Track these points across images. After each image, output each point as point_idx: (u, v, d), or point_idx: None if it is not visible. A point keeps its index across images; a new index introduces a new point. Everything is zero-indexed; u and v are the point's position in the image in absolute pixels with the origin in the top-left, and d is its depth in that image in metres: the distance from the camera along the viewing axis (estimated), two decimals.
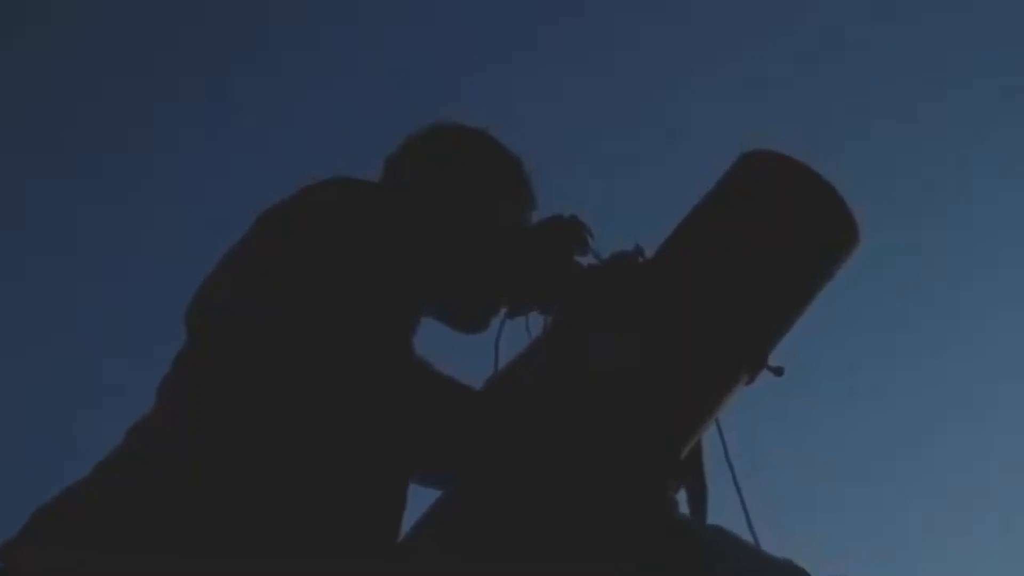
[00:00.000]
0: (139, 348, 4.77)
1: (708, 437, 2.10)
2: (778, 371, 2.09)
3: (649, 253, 2.13)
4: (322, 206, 1.89)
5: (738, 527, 2.06)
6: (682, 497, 2.07)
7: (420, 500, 1.97)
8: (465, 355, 2.11)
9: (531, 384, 2.01)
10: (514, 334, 2.15)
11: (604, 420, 1.97)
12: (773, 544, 2.03)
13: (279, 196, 1.94)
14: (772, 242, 2.09)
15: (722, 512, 2.07)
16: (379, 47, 5.58)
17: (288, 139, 5.42)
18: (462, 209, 2.11)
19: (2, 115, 5.32)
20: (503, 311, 2.16)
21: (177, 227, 5.11)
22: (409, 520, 1.93)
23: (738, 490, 2.10)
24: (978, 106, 5.33)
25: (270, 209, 1.94)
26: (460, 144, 2.19)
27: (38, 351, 5.12)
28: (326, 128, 5.42)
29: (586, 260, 2.15)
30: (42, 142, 5.33)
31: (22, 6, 5.43)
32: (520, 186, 2.21)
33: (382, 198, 1.95)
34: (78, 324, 5.21)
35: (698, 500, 2.08)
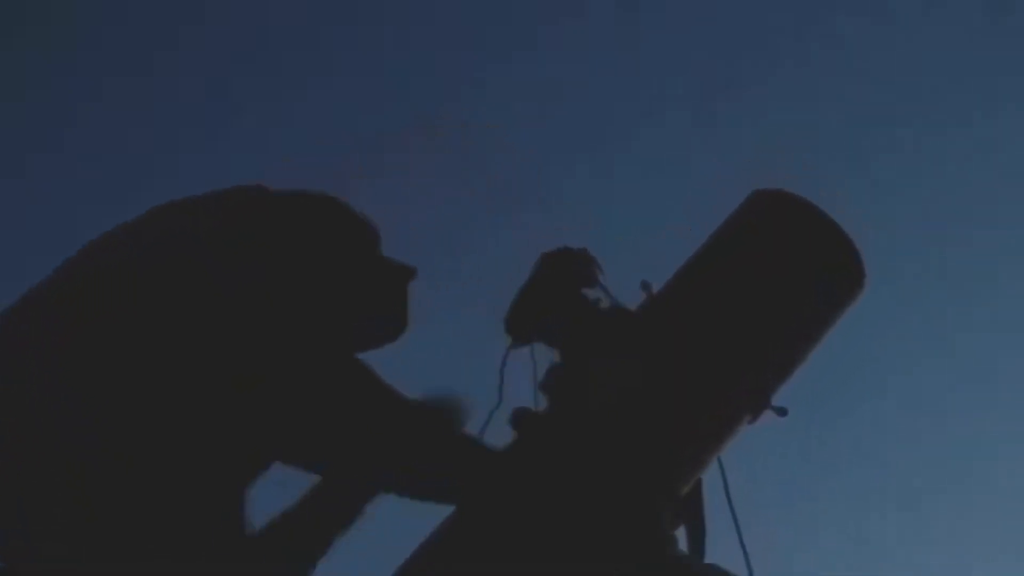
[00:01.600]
0: None
1: (709, 475, 2.11)
2: (781, 412, 2.10)
3: (656, 287, 2.13)
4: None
5: (736, 566, 2.07)
6: (682, 534, 2.07)
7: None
8: (470, 383, 2.12)
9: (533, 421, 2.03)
10: (520, 363, 2.15)
11: (605, 457, 1.98)
12: None
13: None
14: (780, 284, 2.10)
15: (721, 550, 2.08)
16: (378, 47, 5.57)
17: (286, 139, 5.41)
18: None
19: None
20: (509, 341, 2.16)
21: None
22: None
23: (737, 529, 2.11)
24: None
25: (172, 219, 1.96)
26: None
27: None
28: (322, 128, 5.41)
29: (594, 292, 2.15)
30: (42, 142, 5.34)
31: (22, 6, 5.43)
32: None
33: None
34: None
35: (697, 537, 2.09)
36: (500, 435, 2.05)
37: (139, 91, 5.37)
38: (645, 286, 2.14)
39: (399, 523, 2.07)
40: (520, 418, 2.06)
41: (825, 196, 2.13)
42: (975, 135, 5.33)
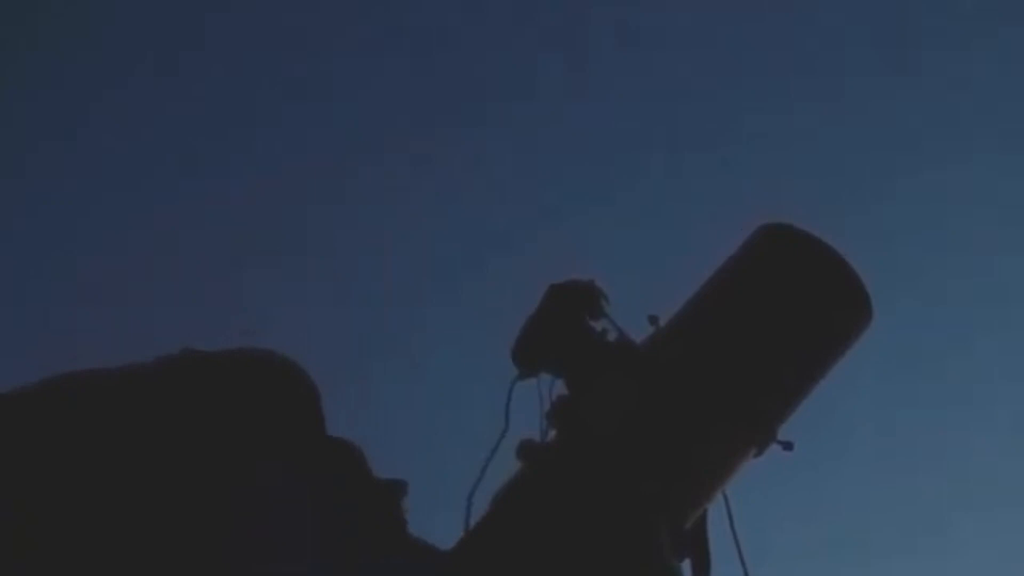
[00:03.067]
0: None
1: (714, 508, 2.11)
2: (787, 445, 2.10)
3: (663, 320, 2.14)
4: None
5: None
6: (686, 567, 2.07)
7: None
8: (477, 414, 2.12)
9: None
10: (527, 395, 2.16)
11: (607, 490, 1.98)
12: None
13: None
14: (786, 317, 2.11)
15: None
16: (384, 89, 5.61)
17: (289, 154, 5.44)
18: None
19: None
20: (515, 372, 2.17)
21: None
22: None
23: (743, 562, 2.11)
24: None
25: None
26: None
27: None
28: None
29: (600, 324, 2.16)
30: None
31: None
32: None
33: None
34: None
35: (701, 570, 2.09)
36: (506, 466, 2.06)
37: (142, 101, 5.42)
38: (652, 319, 2.14)
39: None
40: (526, 450, 2.07)
41: (830, 229, 2.14)
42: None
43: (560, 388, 2.14)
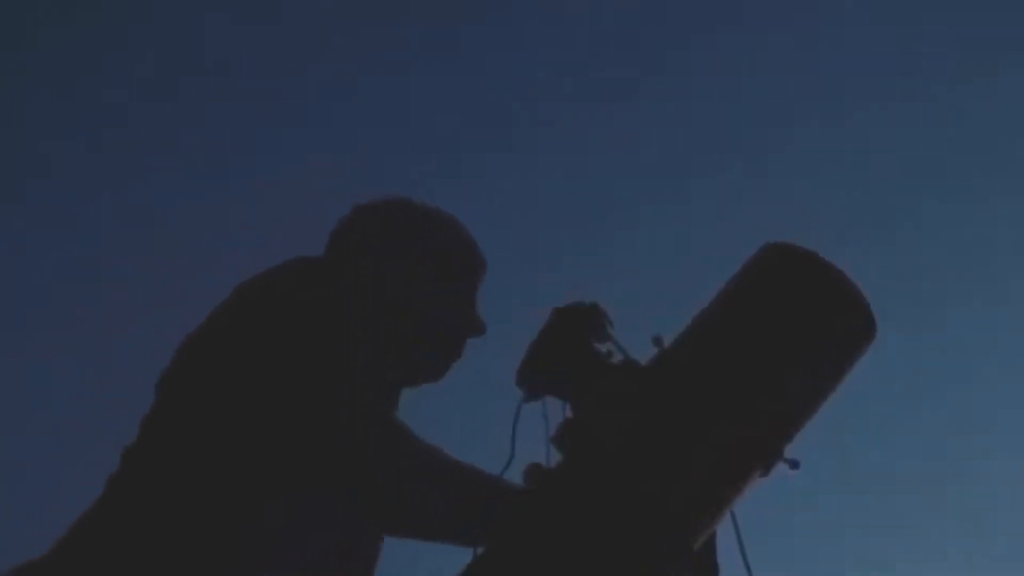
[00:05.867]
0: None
1: (723, 529, 2.10)
2: (794, 464, 2.09)
3: (667, 340, 2.14)
4: (275, 317, 2.03)
5: None
6: None
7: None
8: (483, 438, 2.12)
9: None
10: (531, 416, 2.16)
11: (614, 511, 1.98)
12: None
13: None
14: (790, 336, 2.10)
15: None
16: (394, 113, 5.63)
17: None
18: (393, 290, 2.16)
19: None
20: (521, 395, 2.17)
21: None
22: None
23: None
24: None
25: (248, 291, 2.02)
26: (399, 226, 2.25)
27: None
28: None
29: (605, 347, 2.16)
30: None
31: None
32: (456, 265, 2.24)
33: (322, 297, 2.06)
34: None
35: None
36: None
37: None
38: (656, 340, 2.14)
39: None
40: (532, 473, 2.07)
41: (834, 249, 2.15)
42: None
43: (566, 412, 2.14)
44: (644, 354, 2.14)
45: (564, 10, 5.70)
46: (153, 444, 2.00)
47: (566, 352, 2.14)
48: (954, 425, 5.40)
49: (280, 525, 1.92)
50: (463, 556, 2.02)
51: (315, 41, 5.54)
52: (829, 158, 5.46)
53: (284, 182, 5.37)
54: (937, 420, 5.40)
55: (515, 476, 2.07)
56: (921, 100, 5.52)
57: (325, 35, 5.55)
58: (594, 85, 5.51)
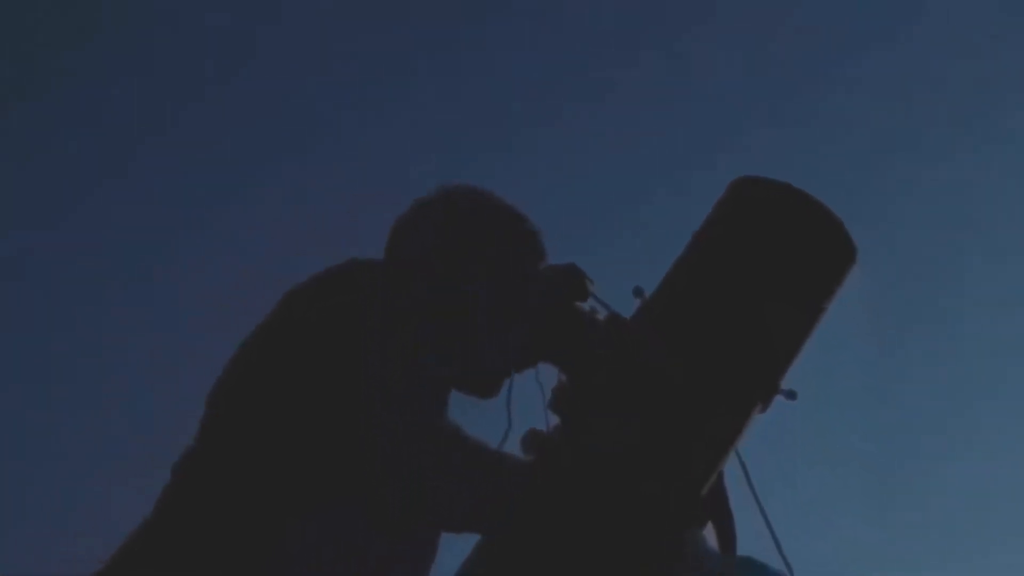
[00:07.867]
0: None
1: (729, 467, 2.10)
2: (791, 395, 2.09)
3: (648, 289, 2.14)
4: (333, 317, 1.99)
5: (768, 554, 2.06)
6: (710, 534, 2.06)
7: None
8: (479, 411, 2.12)
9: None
10: (526, 386, 2.16)
11: (617, 467, 1.97)
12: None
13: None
14: (772, 267, 2.10)
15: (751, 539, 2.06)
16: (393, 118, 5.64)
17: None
18: (463, 282, 2.12)
19: None
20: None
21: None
22: None
23: (765, 518, 2.09)
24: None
25: (295, 296, 2.02)
26: (464, 214, 2.20)
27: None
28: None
29: (588, 304, 2.15)
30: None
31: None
32: (524, 247, 2.20)
33: (384, 297, 2.03)
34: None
35: (726, 533, 2.07)
36: None
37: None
38: (638, 292, 2.14)
39: None
40: (533, 440, 2.07)
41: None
42: None
43: (558, 376, 2.14)
44: (627, 309, 2.14)
45: (564, 10, 5.70)
46: (208, 459, 1.98)
47: (551, 317, 2.13)
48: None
49: (315, 537, 1.92)
50: (463, 549, 2.04)
51: (315, 41, 5.56)
52: (830, 158, 5.45)
53: (284, 182, 5.38)
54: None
55: (512, 447, 2.07)
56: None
57: (325, 35, 5.57)
58: (594, 85, 5.52)
